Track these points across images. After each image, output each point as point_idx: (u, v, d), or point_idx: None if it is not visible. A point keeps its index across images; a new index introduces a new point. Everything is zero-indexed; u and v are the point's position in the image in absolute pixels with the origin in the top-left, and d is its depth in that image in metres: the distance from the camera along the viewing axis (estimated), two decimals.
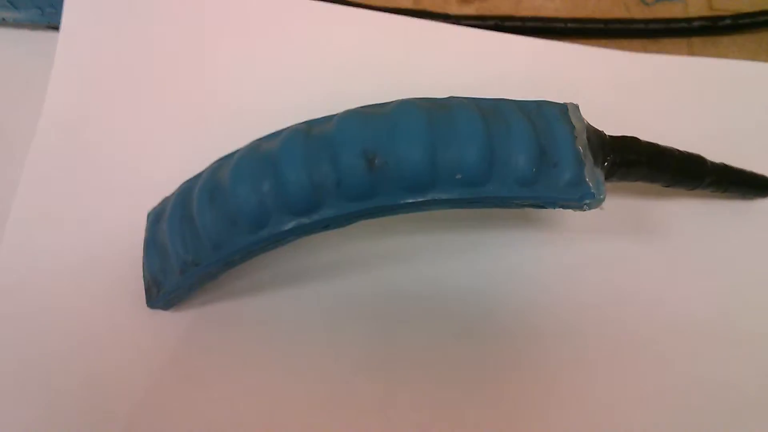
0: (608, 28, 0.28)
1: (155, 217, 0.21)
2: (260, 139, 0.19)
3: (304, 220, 0.18)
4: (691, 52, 0.28)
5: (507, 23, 0.27)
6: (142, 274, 0.22)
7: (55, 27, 0.26)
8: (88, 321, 0.22)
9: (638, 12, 0.29)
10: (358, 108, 0.19)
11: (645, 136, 0.25)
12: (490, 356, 0.22)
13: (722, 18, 0.28)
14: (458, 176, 0.18)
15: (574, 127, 0.20)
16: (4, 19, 0.27)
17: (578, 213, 0.20)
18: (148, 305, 0.21)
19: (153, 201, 0.23)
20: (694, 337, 0.23)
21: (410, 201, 0.18)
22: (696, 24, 0.28)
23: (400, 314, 0.23)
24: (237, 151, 0.20)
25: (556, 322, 0.23)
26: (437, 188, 0.18)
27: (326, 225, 0.19)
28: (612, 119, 0.26)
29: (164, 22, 0.26)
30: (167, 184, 0.23)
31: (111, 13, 0.26)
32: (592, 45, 0.27)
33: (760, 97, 0.27)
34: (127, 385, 0.22)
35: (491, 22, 0.27)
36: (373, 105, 0.19)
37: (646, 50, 0.28)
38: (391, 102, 0.19)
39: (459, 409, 0.22)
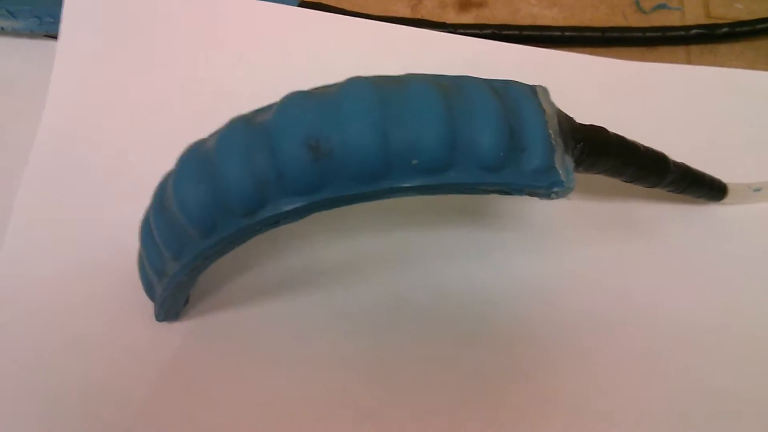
0: (605, 36, 0.28)
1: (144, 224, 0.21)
2: (203, 139, 0.18)
3: (249, 221, 0.16)
4: (689, 60, 0.29)
5: (504, 32, 0.28)
6: (139, 284, 0.22)
7: (54, 36, 0.26)
8: (88, 327, 0.22)
9: (636, 20, 0.29)
10: (302, 91, 0.17)
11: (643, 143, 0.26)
12: (487, 361, 0.22)
13: (720, 26, 0.28)
14: (414, 162, 0.16)
15: (544, 111, 0.18)
16: (2, 29, 0.27)
17: (571, 216, 0.20)
18: (156, 319, 0.22)
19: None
20: (687, 341, 0.23)
21: (362, 192, 0.16)
22: (693, 32, 0.28)
23: (399, 321, 0.23)
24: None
25: (552, 328, 0.23)
26: (392, 176, 0.16)
27: (276, 221, 0.17)
28: (609, 127, 0.26)
29: (162, 32, 0.27)
30: None
31: (109, 22, 0.26)
32: (590, 53, 0.27)
33: (758, 105, 0.27)
34: (127, 392, 0.22)
35: (488, 31, 0.27)
36: (320, 86, 0.17)
37: (643, 58, 0.28)
38: (340, 81, 0.17)
39: (458, 415, 0.22)
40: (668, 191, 0.23)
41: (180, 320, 0.23)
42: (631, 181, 0.22)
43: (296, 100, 0.16)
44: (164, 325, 0.22)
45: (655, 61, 0.28)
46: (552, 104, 0.19)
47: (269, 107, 0.17)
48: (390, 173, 0.16)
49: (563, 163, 0.18)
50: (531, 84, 0.18)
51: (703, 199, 0.25)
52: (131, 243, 0.23)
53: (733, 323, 0.23)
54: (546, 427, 0.22)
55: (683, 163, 0.23)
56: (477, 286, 0.23)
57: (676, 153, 0.25)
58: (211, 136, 0.18)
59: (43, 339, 0.22)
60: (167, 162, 0.24)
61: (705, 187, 0.24)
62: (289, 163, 0.16)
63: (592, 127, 0.20)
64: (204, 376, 0.22)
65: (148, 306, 0.22)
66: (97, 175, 0.24)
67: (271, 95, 0.26)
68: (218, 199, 0.16)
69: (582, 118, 0.26)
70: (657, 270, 0.24)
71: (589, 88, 0.27)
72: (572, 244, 0.24)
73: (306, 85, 0.26)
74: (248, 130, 0.16)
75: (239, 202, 0.16)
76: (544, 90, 0.19)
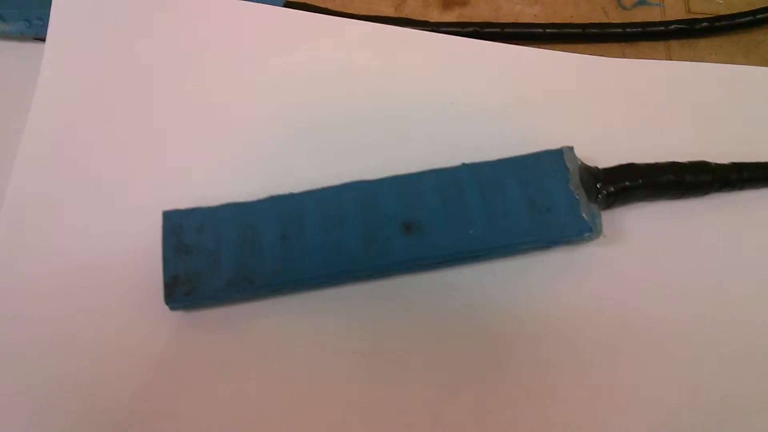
0: (586, 32, 0.28)
1: (193, 225, 0.23)
2: (318, 195, 0.23)
3: (358, 266, 0.22)
4: (669, 55, 0.29)
5: (486, 29, 0.28)
6: (136, 275, 0.23)
7: (43, 39, 0.26)
8: (81, 322, 0.23)
9: (617, 16, 0.30)
10: (395, 183, 0.23)
11: (622, 139, 0.26)
12: (473, 355, 0.23)
13: (699, 21, 0.29)
14: (471, 231, 0.23)
15: (567, 170, 0.23)
16: None
17: None
18: (166, 302, 0.22)
19: (139, 208, 0.24)
20: (668, 337, 0.23)
21: (435, 253, 0.23)
22: (673, 27, 0.29)
23: (389, 315, 0.23)
24: (298, 199, 0.23)
25: (538, 322, 0.23)
26: (455, 242, 0.23)
27: (370, 275, 0.23)
28: (589, 124, 0.26)
29: (149, 35, 0.27)
30: (153, 191, 0.24)
31: (96, 25, 0.27)
32: (571, 50, 0.28)
33: (737, 98, 0.27)
34: (122, 386, 0.22)
35: (470, 29, 0.28)
36: (409, 182, 0.24)
37: (624, 54, 0.29)
38: (420, 181, 0.23)
39: (445, 406, 0.22)
40: (727, 192, 0.25)
41: (173, 315, 0.23)
42: (679, 198, 0.24)
43: (395, 194, 0.23)
44: (158, 319, 0.23)
45: (635, 56, 0.29)
46: (575, 161, 0.23)
47: (378, 188, 0.23)
48: (452, 240, 0.23)
49: (589, 210, 0.23)
50: (558, 148, 0.24)
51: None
52: (121, 239, 0.24)
53: (718, 310, 0.24)
54: (527, 421, 0.22)
55: (730, 163, 0.24)
56: (462, 279, 0.24)
57: (657, 146, 0.25)
58: (330, 194, 0.23)
59: (36, 335, 0.23)
60: (154, 160, 0.25)
61: (764, 177, 0.25)
62: (393, 232, 0.23)
63: (617, 168, 0.24)
64: (198, 370, 0.23)
65: (142, 300, 0.23)
66: (83, 176, 0.25)
67: (261, 96, 0.26)
68: (336, 246, 0.23)
69: (563, 114, 0.27)
70: (643, 260, 0.24)
71: (570, 84, 0.27)
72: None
73: (292, 83, 0.26)
74: (363, 206, 0.23)
75: (352, 252, 0.23)
76: (570, 149, 0.24)
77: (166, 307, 0.22)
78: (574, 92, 0.27)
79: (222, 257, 0.22)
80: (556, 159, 0.23)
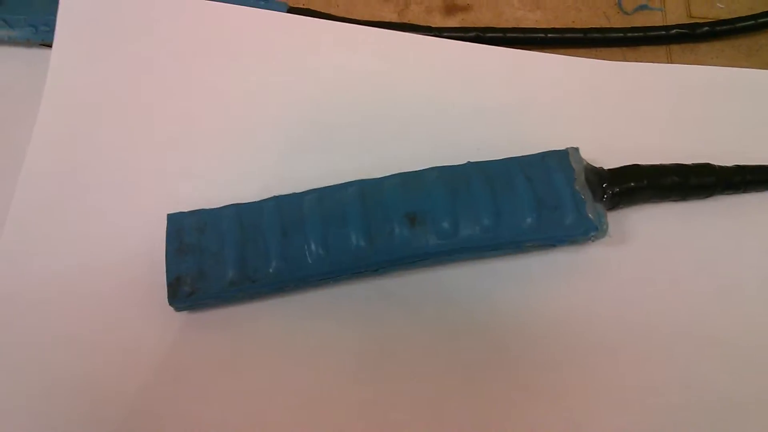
0: (587, 37, 0.28)
1: (196, 226, 0.23)
2: (321, 192, 0.23)
3: (361, 262, 0.22)
4: (670, 59, 0.29)
5: (488, 34, 0.28)
6: (140, 277, 0.23)
7: (49, 45, 0.27)
8: (85, 324, 0.23)
9: (618, 21, 0.30)
10: (400, 177, 0.23)
11: (625, 143, 0.26)
12: (473, 354, 0.23)
13: (700, 25, 0.29)
14: (477, 227, 0.22)
15: (573, 169, 0.23)
16: None
17: None
18: (169, 303, 0.22)
19: (145, 212, 0.24)
20: (671, 339, 0.23)
21: (440, 247, 0.22)
22: (674, 32, 0.29)
23: (389, 314, 0.24)
24: (300, 197, 0.23)
25: (538, 321, 0.23)
26: (461, 236, 0.22)
27: (375, 269, 0.23)
28: (592, 127, 0.26)
29: (155, 39, 0.27)
30: (159, 194, 0.25)
31: (103, 31, 0.27)
32: (573, 55, 0.28)
33: (738, 101, 0.27)
34: (124, 387, 0.22)
35: (473, 34, 0.28)
36: (412, 175, 0.23)
37: (625, 58, 0.29)
38: (425, 175, 0.23)
39: (444, 405, 0.22)
40: (731, 194, 0.25)
41: (178, 316, 0.23)
42: (684, 200, 0.24)
43: (398, 186, 0.23)
44: (160, 320, 0.23)
45: (636, 60, 0.29)
46: (580, 161, 0.23)
47: (381, 183, 0.23)
48: (459, 233, 0.22)
49: (594, 210, 0.23)
50: (564, 149, 0.23)
51: None
52: (126, 243, 0.24)
53: (717, 312, 0.24)
54: (527, 421, 0.22)
55: (734, 166, 0.24)
56: (464, 279, 0.24)
57: (658, 148, 0.25)
58: (331, 192, 0.23)
59: (42, 337, 0.23)
60: (160, 164, 0.25)
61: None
62: (397, 226, 0.22)
63: (622, 168, 0.24)
64: (201, 371, 0.23)
65: (145, 302, 0.23)
66: (90, 181, 0.25)
67: (264, 101, 0.26)
68: (340, 245, 0.22)
69: (566, 118, 0.27)
70: (643, 261, 0.24)
71: (572, 88, 0.27)
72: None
73: (295, 89, 0.27)
74: (365, 202, 0.23)
75: (355, 250, 0.22)
76: (575, 150, 0.24)
77: (171, 308, 0.22)
78: (577, 96, 0.27)
79: (224, 257, 0.22)
80: (562, 159, 0.23)
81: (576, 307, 0.24)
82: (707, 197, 0.25)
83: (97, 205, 0.25)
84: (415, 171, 0.23)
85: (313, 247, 0.22)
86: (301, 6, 0.29)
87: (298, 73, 0.27)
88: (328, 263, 0.22)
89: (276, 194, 0.23)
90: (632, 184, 0.23)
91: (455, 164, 0.23)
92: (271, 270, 0.22)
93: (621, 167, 0.24)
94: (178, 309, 0.23)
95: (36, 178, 0.25)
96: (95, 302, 0.23)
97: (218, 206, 0.23)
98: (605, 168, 0.24)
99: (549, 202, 0.22)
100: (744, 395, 0.23)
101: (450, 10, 0.30)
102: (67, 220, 0.24)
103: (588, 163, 0.24)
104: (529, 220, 0.22)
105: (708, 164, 0.24)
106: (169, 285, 0.22)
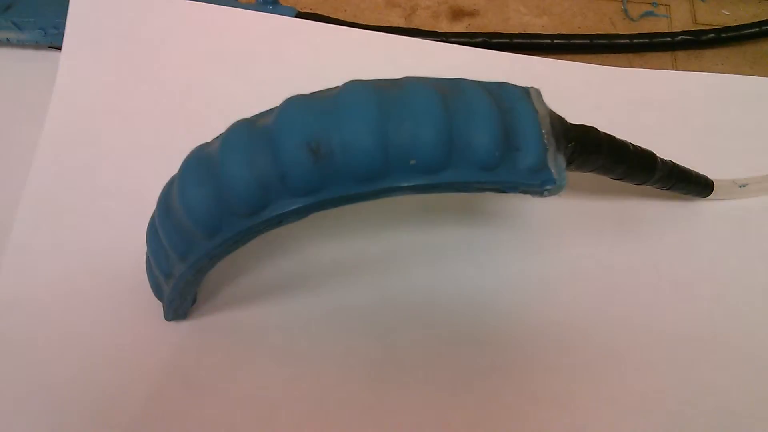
0: (593, 43, 0.29)
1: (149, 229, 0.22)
2: (206, 143, 0.19)
3: (252, 221, 0.17)
4: (675, 66, 0.29)
5: (495, 40, 0.28)
6: (143, 281, 0.23)
7: (58, 47, 0.27)
8: (92, 328, 0.23)
9: (624, 27, 0.30)
10: (303, 95, 0.17)
11: None
12: (478, 358, 0.23)
13: (705, 32, 0.29)
14: (413, 161, 0.16)
15: (537, 111, 0.18)
16: (8, 40, 0.28)
17: (560, 215, 0.20)
18: (165, 319, 0.22)
19: (149, 216, 0.24)
20: (673, 344, 0.23)
21: (362, 191, 0.17)
22: (680, 38, 0.29)
23: (393, 319, 0.24)
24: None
25: (542, 326, 0.23)
26: (391, 176, 0.16)
27: (278, 221, 0.17)
28: None
29: (163, 43, 0.27)
30: None
31: (111, 34, 0.27)
32: (578, 60, 0.28)
33: (742, 108, 0.27)
34: (130, 391, 0.22)
35: (479, 39, 0.28)
36: (321, 90, 0.18)
37: (631, 64, 0.29)
38: (339, 86, 0.17)
39: (448, 409, 0.22)
40: (657, 188, 0.24)
41: (184, 320, 0.23)
42: (620, 179, 0.23)
43: (296, 104, 0.17)
44: (167, 325, 0.23)
45: (642, 66, 0.29)
46: (544, 105, 0.19)
47: (270, 111, 0.18)
48: (389, 173, 0.16)
49: (555, 161, 0.18)
50: (524, 86, 0.19)
51: (691, 195, 0.25)
52: (133, 246, 0.24)
53: (720, 316, 0.24)
54: (531, 423, 0.22)
55: (670, 161, 0.24)
56: (469, 284, 0.24)
57: (663, 155, 0.25)
58: (215, 140, 0.18)
59: (48, 340, 0.23)
60: (168, 167, 0.25)
61: (692, 183, 0.24)
62: (290, 165, 0.16)
63: (583, 127, 0.21)
64: (206, 374, 0.23)
65: (152, 307, 0.23)
66: (99, 183, 0.25)
67: (271, 104, 0.26)
68: (222, 201, 0.17)
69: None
70: (646, 267, 0.25)
71: (577, 94, 0.27)
72: (562, 243, 0.25)
73: (304, 92, 0.27)
74: (251, 134, 0.17)
75: (243, 204, 0.17)
76: (537, 92, 0.19)
77: None
78: (582, 101, 0.27)
79: (152, 262, 0.21)
80: (523, 96, 0.18)
81: (580, 313, 0.24)
82: (641, 184, 0.24)
83: (103, 206, 0.25)
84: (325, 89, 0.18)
85: (191, 214, 0.17)
86: (309, 11, 0.29)
87: (306, 77, 0.27)
88: (218, 235, 0.18)
89: None
90: (592, 145, 0.21)
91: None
92: (175, 253, 0.18)
93: (581, 125, 0.21)
94: (168, 320, 0.23)
95: (44, 180, 0.25)
96: (98, 305, 0.23)
97: None
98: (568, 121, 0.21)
99: (512, 137, 0.17)
100: (747, 400, 0.23)
101: (457, 15, 0.30)
102: (73, 222, 0.24)
103: (551, 110, 0.19)
104: (487, 155, 0.17)
105: (652, 152, 0.23)
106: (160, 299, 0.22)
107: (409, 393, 0.23)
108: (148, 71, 0.27)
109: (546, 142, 0.18)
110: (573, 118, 0.27)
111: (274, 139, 0.16)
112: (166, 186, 0.20)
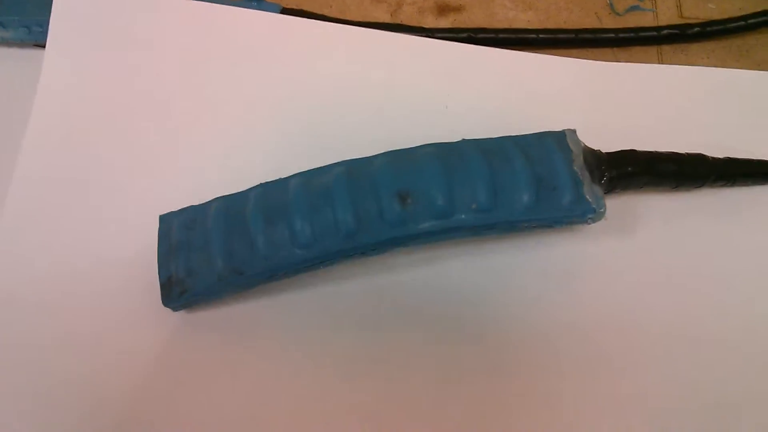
0: (579, 37, 0.29)
1: (184, 224, 0.22)
2: (308, 175, 0.23)
3: (350, 244, 0.21)
4: (662, 60, 0.29)
5: (480, 35, 0.28)
6: (136, 278, 0.23)
7: (43, 45, 0.27)
8: (83, 325, 0.23)
9: (610, 22, 0.30)
10: (391, 154, 0.23)
11: (616, 142, 0.26)
12: (469, 357, 0.23)
13: (691, 26, 0.29)
14: (474, 206, 0.21)
15: (571, 151, 0.22)
16: None
17: None
18: (164, 304, 0.22)
19: (139, 213, 0.24)
20: (668, 341, 0.23)
21: (434, 227, 0.21)
22: (665, 32, 0.29)
23: (385, 317, 0.24)
24: (286, 181, 0.22)
25: (535, 326, 0.24)
26: (456, 216, 0.22)
27: (364, 252, 0.22)
28: (583, 127, 0.26)
29: (148, 42, 0.27)
30: (152, 196, 0.25)
31: (95, 32, 0.27)
32: (564, 55, 0.28)
33: (728, 101, 0.27)
34: (122, 387, 0.22)
35: (465, 35, 0.28)
36: (404, 151, 0.23)
37: (616, 59, 0.29)
38: (417, 150, 0.23)
39: (440, 407, 0.23)
40: (720, 186, 0.25)
41: (174, 317, 0.23)
42: (676, 188, 0.24)
43: (389, 162, 0.22)
44: (157, 321, 0.23)
45: (627, 61, 0.29)
46: (578, 143, 0.23)
47: (367, 163, 0.22)
48: (454, 212, 0.21)
49: (592, 192, 0.22)
50: (561, 130, 0.23)
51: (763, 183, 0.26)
52: (121, 243, 0.24)
53: (728, 321, 0.24)
54: (523, 419, 0.22)
55: (725, 158, 0.25)
56: (462, 284, 0.24)
57: (650, 149, 0.25)
58: (318, 174, 0.23)
59: (38, 340, 0.23)
60: (153, 164, 0.25)
61: (757, 173, 0.25)
62: (386, 207, 0.21)
63: (620, 153, 0.24)
64: (198, 371, 0.23)
65: (142, 302, 0.23)
66: (83, 181, 0.25)
67: (259, 102, 0.27)
68: (327, 226, 0.21)
69: (556, 118, 0.27)
70: (636, 264, 0.25)
71: (563, 88, 0.27)
72: (551, 242, 0.25)
73: (288, 90, 0.27)
74: (352, 180, 0.22)
75: (344, 230, 0.21)
76: (572, 132, 0.23)
77: (167, 309, 0.22)
78: (569, 96, 0.27)
79: (211, 252, 0.22)
80: (560, 139, 0.23)
81: (572, 309, 0.24)
82: (699, 188, 0.25)
83: (91, 206, 0.25)
84: (407, 148, 0.23)
85: (298, 232, 0.21)
86: (294, 7, 0.29)
87: (291, 74, 0.27)
88: (315, 248, 0.21)
89: None
90: (629, 168, 0.23)
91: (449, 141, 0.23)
92: (256, 260, 0.21)
93: (618, 151, 0.24)
94: (174, 309, 0.23)
95: (29, 179, 0.25)
96: (91, 304, 0.23)
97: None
98: (603, 151, 0.24)
99: (547, 181, 0.22)
100: (743, 396, 0.23)
101: (442, 10, 0.30)
102: (61, 222, 0.24)
103: (586, 146, 0.23)
104: (526, 198, 0.22)
105: (701, 154, 0.24)
106: (162, 286, 0.22)
107: (398, 389, 0.23)
108: (133, 69, 0.27)
109: (580, 177, 0.22)
110: (559, 113, 0.27)
111: (377, 188, 0.22)
112: (258, 195, 0.22)
